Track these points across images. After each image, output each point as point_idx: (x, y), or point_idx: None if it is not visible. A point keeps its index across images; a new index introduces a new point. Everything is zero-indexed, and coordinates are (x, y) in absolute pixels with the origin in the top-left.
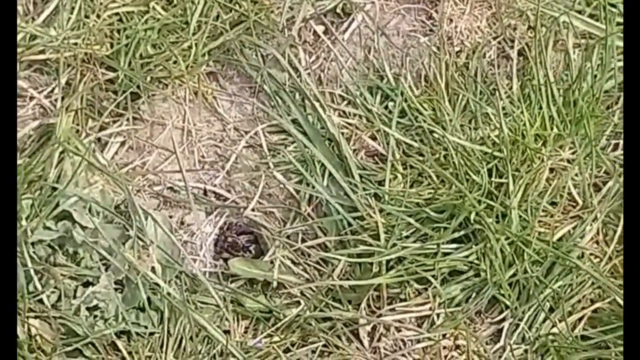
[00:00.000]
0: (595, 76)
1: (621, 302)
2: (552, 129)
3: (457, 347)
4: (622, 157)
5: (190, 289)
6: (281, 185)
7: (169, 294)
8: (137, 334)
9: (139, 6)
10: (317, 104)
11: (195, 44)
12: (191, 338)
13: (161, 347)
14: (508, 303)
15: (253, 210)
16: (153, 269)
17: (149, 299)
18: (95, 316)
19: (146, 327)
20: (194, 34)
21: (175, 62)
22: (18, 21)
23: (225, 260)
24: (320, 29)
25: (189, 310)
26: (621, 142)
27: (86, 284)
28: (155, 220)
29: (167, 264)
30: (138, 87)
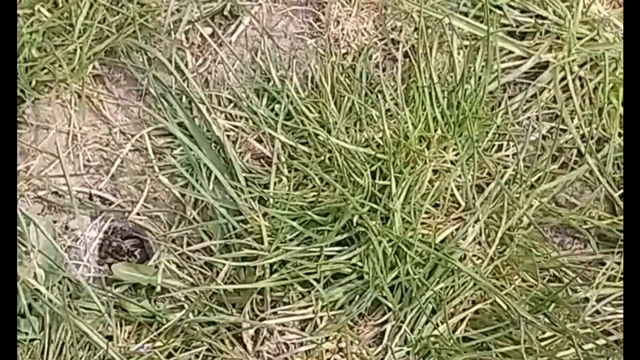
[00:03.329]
0: (480, 78)
1: (502, 303)
2: (435, 130)
3: (340, 349)
4: (505, 158)
5: (73, 295)
6: (167, 189)
7: (50, 300)
8: (18, 340)
9: (23, 9)
10: (203, 107)
11: (81, 47)
12: (72, 344)
13: (42, 353)
14: (390, 305)
15: (138, 214)
16: (35, 275)
17: (29, 305)
18: None
19: (27, 334)
20: (79, 37)
21: (60, 66)
22: None
23: (110, 265)
24: (207, 31)
25: (70, 316)
26: (505, 143)
27: None
28: (37, 225)
29: (49, 269)
30: (22, 90)
